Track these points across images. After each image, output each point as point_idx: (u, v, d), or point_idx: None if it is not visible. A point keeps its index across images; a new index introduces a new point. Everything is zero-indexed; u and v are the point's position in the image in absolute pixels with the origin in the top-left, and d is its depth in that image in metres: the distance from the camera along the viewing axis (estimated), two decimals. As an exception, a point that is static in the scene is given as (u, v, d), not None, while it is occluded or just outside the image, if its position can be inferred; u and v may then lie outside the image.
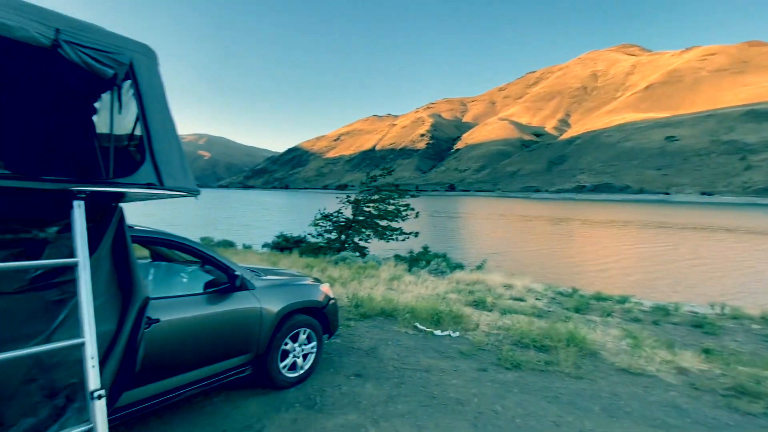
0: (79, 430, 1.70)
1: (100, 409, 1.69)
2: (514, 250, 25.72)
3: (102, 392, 1.73)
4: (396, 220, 16.20)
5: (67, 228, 2.05)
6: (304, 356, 3.75)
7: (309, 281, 4.03)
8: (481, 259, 15.61)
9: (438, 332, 5.35)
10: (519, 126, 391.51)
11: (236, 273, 3.10)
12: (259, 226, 36.55)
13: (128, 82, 1.97)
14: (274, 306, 3.37)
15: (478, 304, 7.42)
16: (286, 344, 3.55)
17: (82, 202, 1.81)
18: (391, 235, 16.09)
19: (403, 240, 16.13)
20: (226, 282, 3.04)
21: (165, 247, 3.27)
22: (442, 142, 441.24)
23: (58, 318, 1.95)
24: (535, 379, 4.02)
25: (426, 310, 5.97)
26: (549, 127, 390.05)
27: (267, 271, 3.99)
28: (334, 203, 17.46)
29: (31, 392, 1.83)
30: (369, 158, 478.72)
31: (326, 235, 16.73)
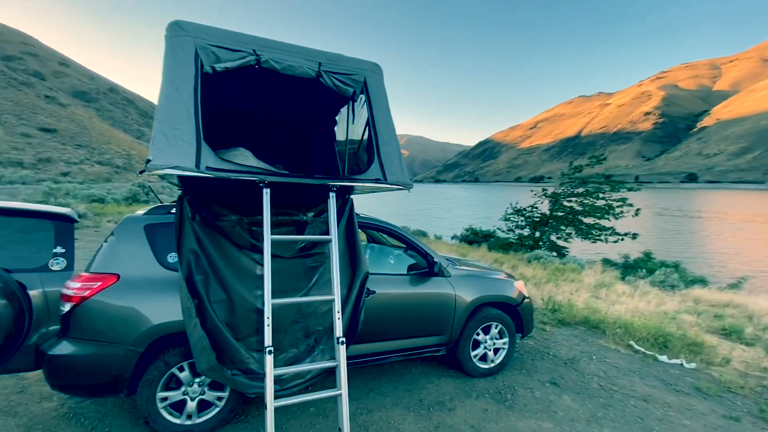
0: (329, 364, 2.26)
1: (342, 351, 2.21)
2: (803, 267, 17.71)
3: (344, 339, 2.24)
4: (606, 218, 13.67)
5: (319, 213, 2.72)
6: (495, 350, 3.74)
7: (502, 276, 3.98)
8: (737, 276, 11.55)
9: (663, 358, 4.32)
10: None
11: (435, 260, 3.38)
12: (448, 218, 38.01)
13: (362, 96, 2.43)
14: (467, 295, 3.49)
15: (730, 334, 5.55)
16: (477, 334, 3.63)
17: (333, 194, 2.38)
18: (598, 235, 13.73)
19: (615, 242, 13.51)
20: (425, 267, 3.35)
21: (378, 232, 3.87)
22: (678, 120, 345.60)
23: (312, 279, 2.63)
24: (841, 459, 2.74)
25: (646, 328, 4.91)
26: None
27: (460, 261, 4.16)
28: (526, 197, 16.32)
29: (296, 331, 2.53)
30: (571, 146, 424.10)
31: (518, 231, 15.83)
